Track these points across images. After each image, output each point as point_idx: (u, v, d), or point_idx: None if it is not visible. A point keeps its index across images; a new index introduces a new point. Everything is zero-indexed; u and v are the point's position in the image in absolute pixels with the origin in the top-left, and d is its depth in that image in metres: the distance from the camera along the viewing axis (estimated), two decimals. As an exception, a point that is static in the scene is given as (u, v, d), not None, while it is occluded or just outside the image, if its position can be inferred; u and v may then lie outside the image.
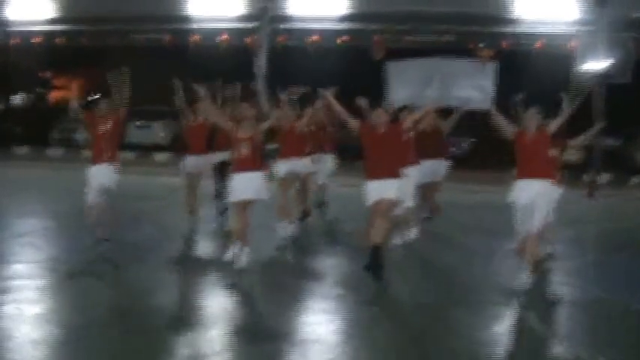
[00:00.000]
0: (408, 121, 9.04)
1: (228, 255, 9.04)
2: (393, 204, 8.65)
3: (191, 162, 11.27)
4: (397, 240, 10.32)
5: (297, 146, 10.94)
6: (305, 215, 11.94)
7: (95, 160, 9.56)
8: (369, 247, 8.52)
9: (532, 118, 8.47)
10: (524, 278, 8.39)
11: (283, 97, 11.12)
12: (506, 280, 8.78)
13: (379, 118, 8.59)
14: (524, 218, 8.37)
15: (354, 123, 8.75)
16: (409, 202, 10.42)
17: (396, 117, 9.06)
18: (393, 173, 8.54)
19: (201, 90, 9.78)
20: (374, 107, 8.77)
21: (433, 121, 11.47)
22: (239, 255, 8.92)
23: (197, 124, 11.35)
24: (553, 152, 8.76)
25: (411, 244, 10.58)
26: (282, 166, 10.88)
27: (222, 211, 11.44)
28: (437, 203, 11.94)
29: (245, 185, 8.80)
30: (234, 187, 8.90)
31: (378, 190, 8.46)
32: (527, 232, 8.32)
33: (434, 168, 11.30)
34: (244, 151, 8.81)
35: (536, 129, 8.46)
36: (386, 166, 8.50)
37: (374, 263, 8.42)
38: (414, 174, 10.47)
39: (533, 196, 8.29)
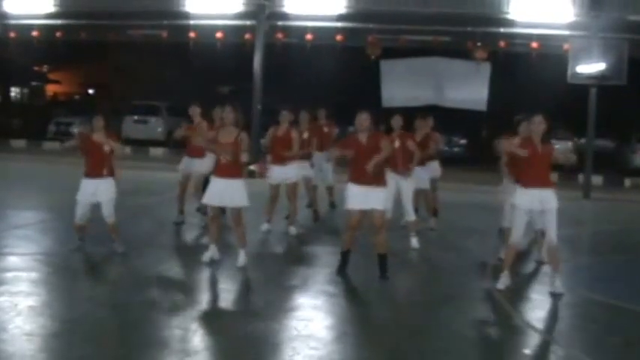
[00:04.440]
0: (385, 144, 8.74)
1: (206, 256, 9.20)
2: (384, 214, 8.79)
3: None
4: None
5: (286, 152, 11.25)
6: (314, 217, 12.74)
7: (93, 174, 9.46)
8: (342, 252, 8.88)
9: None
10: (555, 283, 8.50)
11: (283, 116, 11.26)
12: (497, 278, 8.82)
13: (362, 122, 8.59)
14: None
15: (343, 150, 8.79)
16: (411, 215, 10.76)
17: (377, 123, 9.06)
18: (377, 181, 8.60)
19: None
20: (360, 110, 8.74)
21: (429, 130, 11.64)
22: (211, 256, 9.18)
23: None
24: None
25: (404, 243, 10.69)
26: (272, 171, 11.33)
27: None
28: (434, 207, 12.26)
29: (221, 191, 8.90)
30: (211, 191, 9.02)
31: (363, 197, 8.55)
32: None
33: (418, 174, 11.48)
34: (225, 156, 8.91)
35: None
36: (372, 174, 8.49)
37: (383, 271, 8.76)
38: (408, 183, 10.70)
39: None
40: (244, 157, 9.01)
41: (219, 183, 8.94)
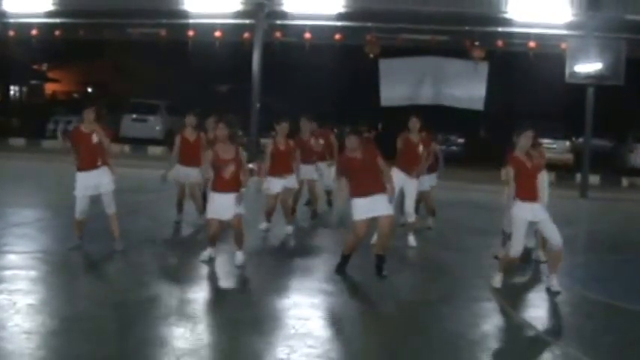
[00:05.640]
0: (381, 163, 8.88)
1: (204, 255, 9.26)
2: (392, 221, 8.91)
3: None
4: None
5: (286, 165, 11.24)
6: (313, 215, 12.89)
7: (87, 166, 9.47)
8: (344, 255, 8.95)
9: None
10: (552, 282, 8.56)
11: (281, 127, 11.27)
12: (496, 277, 8.85)
13: (352, 144, 8.71)
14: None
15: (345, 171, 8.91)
16: (412, 216, 10.84)
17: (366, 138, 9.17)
18: (380, 188, 8.71)
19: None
20: (348, 133, 8.89)
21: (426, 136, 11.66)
22: (209, 255, 9.27)
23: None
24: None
25: (402, 241, 10.73)
26: (271, 183, 11.26)
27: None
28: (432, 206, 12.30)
29: (224, 206, 8.94)
30: (214, 205, 9.04)
31: (369, 206, 8.65)
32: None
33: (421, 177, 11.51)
34: (228, 172, 8.93)
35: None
36: (371, 183, 8.68)
37: (379, 270, 8.88)
38: (415, 186, 10.76)
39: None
40: (245, 174, 9.08)
41: (222, 198, 8.97)
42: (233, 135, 9.10)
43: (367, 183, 8.67)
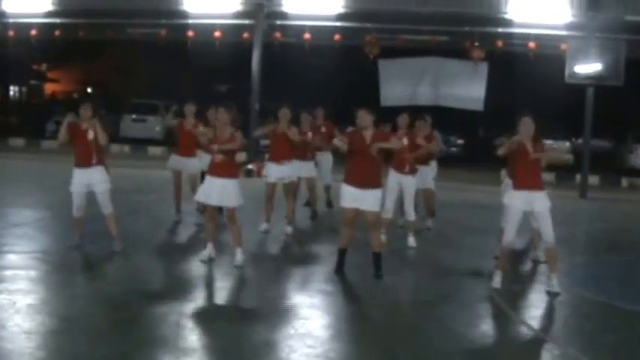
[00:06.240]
0: (392, 140, 8.92)
1: (203, 255, 9.26)
2: (378, 214, 8.86)
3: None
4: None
5: (285, 150, 11.24)
6: (313, 216, 12.85)
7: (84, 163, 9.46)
8: (340, 249, 8.96)
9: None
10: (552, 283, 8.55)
11: (282, 113, 11.25)
12: (496, 277, 8.86)
13: (364, 121, 8.61)
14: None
15: (344, 142, 8.72)
16: (411, 216, 10.77)
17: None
18: (373, 183, 8.65)
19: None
20: (358, 108, 8.75)
21: (429, 130, 11.62)
22: (209, 255, 9.25)
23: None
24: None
25: (402, 242, 10.73)
26: (270, 169, 11.32)
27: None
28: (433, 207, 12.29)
29: (215, 191, 8.95)
30: (205, 189, 9.06)
31: (356, 197, 8.60)
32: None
33: (423, 174, 11.50)
34: (221, 156, 8.91)
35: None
36: (365, 174, 8.58)
37: (378, 269, 8.84)
38: (412, 183, 10.74)
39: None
40: (241, 157, 9.03)
41: (214, 182, 8.98)
42: (235, 120, 9.09)
43: (361, 172, 8.56)
